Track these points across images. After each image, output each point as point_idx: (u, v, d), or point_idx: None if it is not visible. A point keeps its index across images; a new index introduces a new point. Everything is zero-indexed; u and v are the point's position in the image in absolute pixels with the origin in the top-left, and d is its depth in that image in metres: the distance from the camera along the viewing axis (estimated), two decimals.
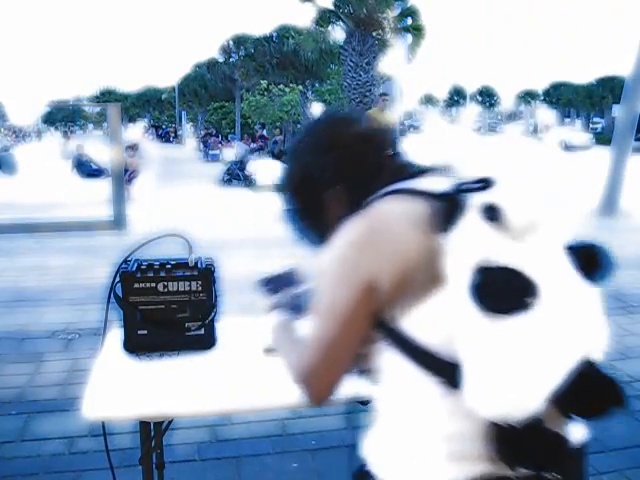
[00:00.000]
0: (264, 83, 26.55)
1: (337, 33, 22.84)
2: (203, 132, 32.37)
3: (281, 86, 26.19)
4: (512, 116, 61.68)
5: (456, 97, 68.56)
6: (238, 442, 3.00)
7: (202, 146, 27.52)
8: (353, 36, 20.81)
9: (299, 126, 28.84)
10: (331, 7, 21.36)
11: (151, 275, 1.77)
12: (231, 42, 35.03)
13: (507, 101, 66.31)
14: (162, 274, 1.77)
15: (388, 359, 1.08)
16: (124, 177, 10.29)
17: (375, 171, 1.17)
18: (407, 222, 1.04)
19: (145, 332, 1.78)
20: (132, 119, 59.72)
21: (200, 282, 1.79)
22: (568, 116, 55.41)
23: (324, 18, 22.13)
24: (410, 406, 1.06)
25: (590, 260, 1.00)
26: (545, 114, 50.39)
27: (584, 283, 0.98)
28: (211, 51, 62.04)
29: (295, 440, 3.04)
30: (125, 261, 1.80)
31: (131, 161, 12.74)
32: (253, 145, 23.29)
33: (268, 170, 16.63)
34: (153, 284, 1.77)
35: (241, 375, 1.68)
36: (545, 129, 41.60)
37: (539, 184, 1.00)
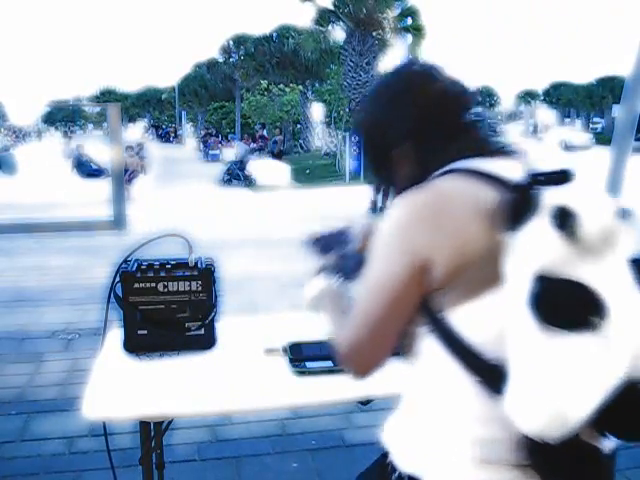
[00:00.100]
0: (264, 83, 26.54)
1: (337, 33, 22.91)
2: (203, 132, 32.38)
3: (281, 86, 26.19)
4: (512, 116, 61.55)
5: None
6: (238, 442, 3.00)
7: (202, 146, 27.55)
8: (353, 36, 20.81)
9: (299, 126, 28.86)
10: (331, 7, 21.38)
11: (151, 275, 1.77)
12: (231, 42, 35.00)
13: (507, 101, 66.31)
14: (162, 274, 1.78)
15: (428, 346, 1.03)
16: (124, 177, 10.29)
17: (450, 136, 1.07)
18: (473, 209, 0.95)
19: (145, 332, 1.78)
20: (132, 119, 59.76)
21: (200, 282, 1.79)
22: (568, 116, 55.35)
23: (324, 18, 22.15)
24: (442, 400, 1.02)
25: None
26: (545, 114, 50.26)
27: None
28: (211, 51, 62.30)
29: (295, 440, 3.03)
30: (125, 261, 1.81)
31: (131, 161, 12.75)
32: (253, 145, 23.31)
33: (268, 170, 16.69)
34: (153, 284, 1.77)
35: (241, 375, 1.68)
36: (545, 129, 41.53)
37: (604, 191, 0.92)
